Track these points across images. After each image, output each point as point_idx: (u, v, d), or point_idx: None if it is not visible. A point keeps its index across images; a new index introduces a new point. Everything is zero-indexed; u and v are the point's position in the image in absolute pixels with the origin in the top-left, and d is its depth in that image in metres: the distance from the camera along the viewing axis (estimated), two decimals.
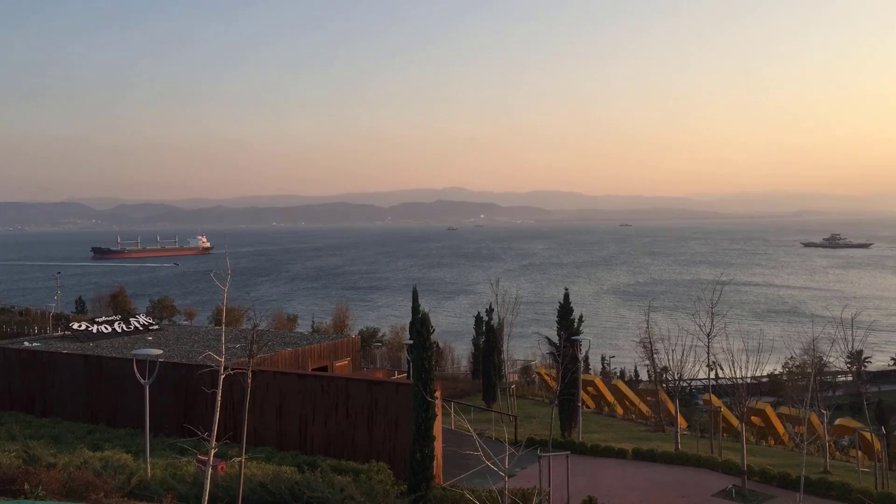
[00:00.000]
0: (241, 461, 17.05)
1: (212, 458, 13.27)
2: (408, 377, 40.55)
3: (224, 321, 14.66)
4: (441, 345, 77.98)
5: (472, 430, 14.15)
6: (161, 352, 25.52)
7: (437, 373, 33.34)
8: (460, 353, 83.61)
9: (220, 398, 13.18)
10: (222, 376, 13.13)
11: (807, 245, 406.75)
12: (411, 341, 24.99)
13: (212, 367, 15.30)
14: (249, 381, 16.59)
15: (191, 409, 32.22)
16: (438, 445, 24.90)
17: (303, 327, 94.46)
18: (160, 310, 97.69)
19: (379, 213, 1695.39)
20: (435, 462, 23.50)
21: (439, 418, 24.67)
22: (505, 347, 47.90)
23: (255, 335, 18.74)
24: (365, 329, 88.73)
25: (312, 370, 37.82)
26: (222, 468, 21.57)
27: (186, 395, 32.37)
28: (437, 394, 23.81)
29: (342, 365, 41.74)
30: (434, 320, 30.90)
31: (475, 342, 54.84)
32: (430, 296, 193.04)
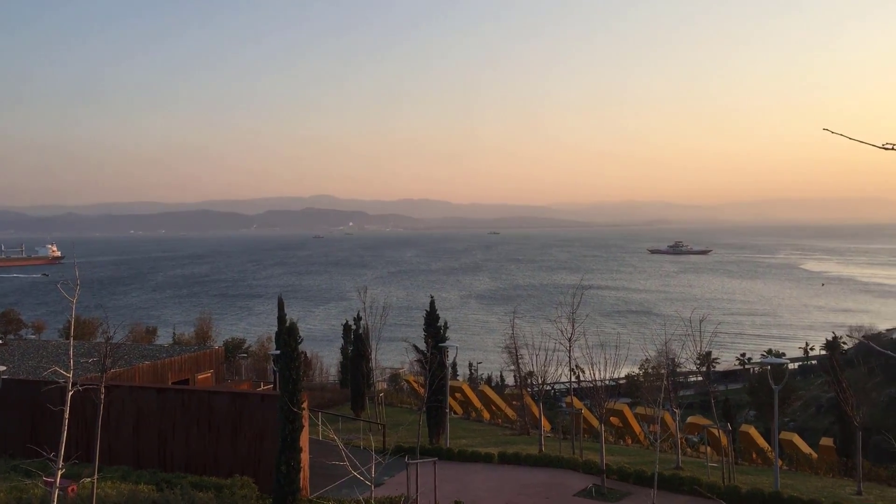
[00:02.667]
0: (93, 481, 16.17)
1: (59, 480, 12.52)
2: (274, 388, 39.73)
3: (73, 334, 13.87)
4: (309, 354, 76.92)
5: (338, 440, 14.01)
6: (4, 368, 23.90)
7: (304, 383, 32.77)
8: (329, 361, 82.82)
9: (67, 416, 12.47)
10: (70, 392, 12.43)
11: (653, 252, 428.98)
12: (278, 351, 24.50)
13: (59, 383, 14.46)
14: (102, 396, 15.79)
15: (38, 429, 30.31)
16: (305, 457, 24.53)
17: (163, 339, 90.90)
18: (5, 324, 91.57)
19: (244, 220, 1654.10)
20: (302, 474, 23.12)
21: (306, 429, 24.30)
22: (373, 355, 47.76)
23: (108, 348, 17.83)
24: (230, 340, 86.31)
25: (172, 384, 36.43)
26: (73, 490, 20.40)
27: (33, 414, 30.42)
28: (304, 404, 23.44)
29: (204, 377, 40.43)
30: (303, 329, 30.45)
31: (343, 351, 54.42)
32: (299, 304, 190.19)
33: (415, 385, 54.83)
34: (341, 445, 12.52)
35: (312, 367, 76.77)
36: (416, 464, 24.67)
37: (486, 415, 49.33)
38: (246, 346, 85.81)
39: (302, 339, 25.85)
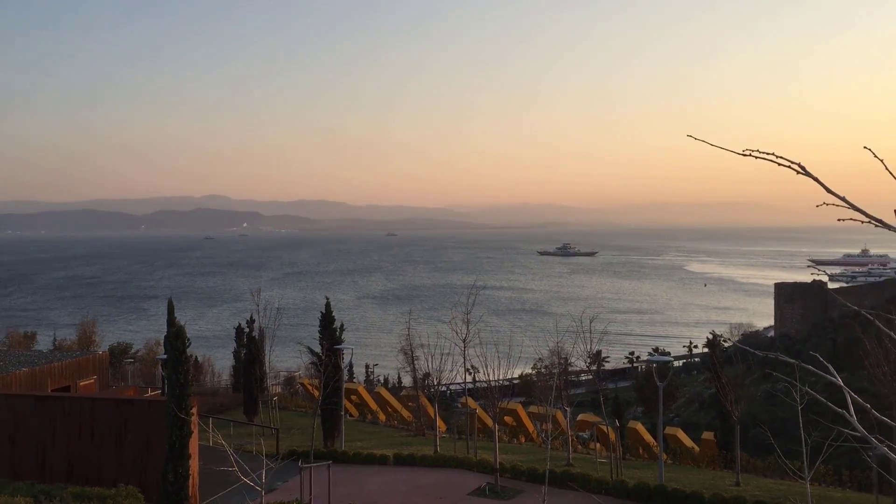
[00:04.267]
0: None
1: None
2: (162, 394, 38.49)
3: None
4: (200, 358, 74.98)
5: (226, 446, 13.73)
6: None
7: (195, 388, 31.91)
8: (222, 365, 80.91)
9: None
10: None
11: (542, 253, 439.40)
12: (166, 356, 23.76)
13: None
14: None
15: None
16: (194, 464, 23.88)
17: (43, 344, 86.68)
18: None
19: (132, 221, 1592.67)
20: (190, 481, 22.49)
21: (195, 435, 23.66)
22: (267, 359, 46.97)
23: None
24: (116, 344, 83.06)
25: (52, 391, 34.80)
26: None
27: None
28: (194, 410, 22.82)
29: (87, 384, 38.78)
30: (195, 331, 29.72)
31: (236, 354, 53.28)
32: (191, 306, 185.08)
33: (309, 388, 54.22)
34: (230, 451, 12.27)
35: (204, 371, 74.87)
36: (310, 467, 24.42)
37: (382, 417, 49.26)
38: (133, 350, 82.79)
39: (191, 343, 25.17)
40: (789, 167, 4.36)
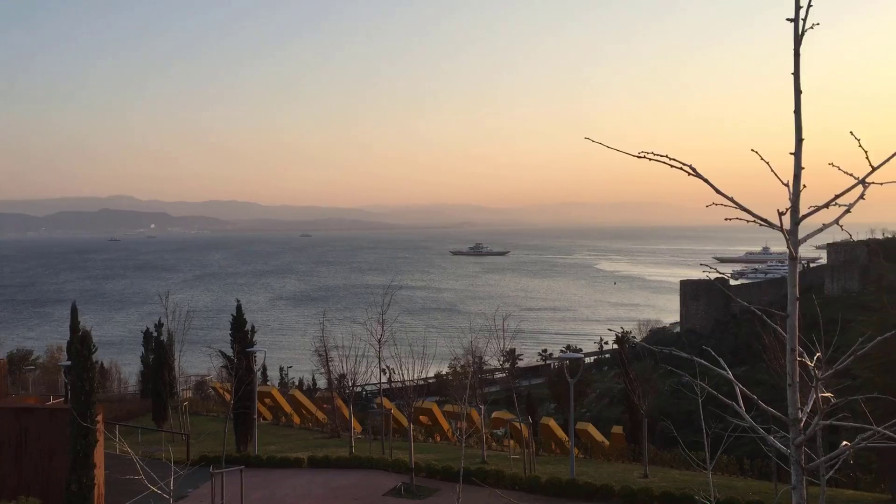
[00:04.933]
0: None
1: None
2: (66, 402, 37.12)
3: None
4: (107, 363, 72.62)
5: (132, 453, 13.37)
6: None
7: (100, 395, 30.87)
8: (130, 370, 78.50)
9: None
10: None
11: (455, 253, 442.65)
12: (69, 362, 22.94)
13: None
14: None
15: None
16: (100, 473, 23.14)
17: None
18: None
19: (31, 222, 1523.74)
20: (96, 491, 21.81)
21: (101, 443, 22.94)
22: (177, 363, 45.83)
23: None
24: (15, 351, 79.54)
25: None
26: None
27: None
28: (99, 417, 22.14)
29: None
30: (100, 336, 28.76)
31: (144, 359, 51.79)
32: (97, 310, 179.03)
33: (221, 392, 53.14)
34: (136, 458, 11.96)
35: (110, 377, 72.49)
36: (222, 473, 23.98)
37: (297, 419, 48.72)
38: (34, 357, 79.49)
39: (97, 348, 24.37)
40: (681, 169, 4.56)
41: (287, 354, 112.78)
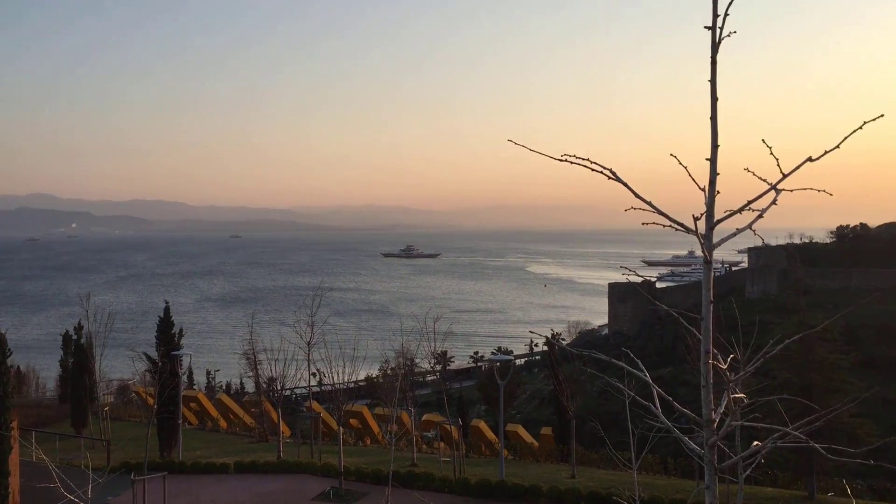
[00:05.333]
0: None
1: None
2: None
3: None
4: (23, 368, 70.02)
5: (47, 460, 12.87)
6: None
7: (16, 400, 29.67)
8: (47, 375, 75.84)
9: None
10: None
11: (387, 255, 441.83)
12: None
13: None
14: None
15: None
16: (15, 481, 22.28)
17: None
18: None
19: None
20: (11, 500, 20.99)
21: (16, 451, 22.12)
22: (98, 367, 44.53)
23: None
24: None
25: None
26: None
27: None
28: (14, 424, 21.32)
29: None
30: (17, 339, 27.72)
31: (63, 363, 50.16)
32: (13, 312, 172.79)
33: (144, 396, 51.84)
34: (52, 466, 11.52)
35: (27, 382, 69.95)
36: (144, 480, 23.36)
37: (224, 424, 47.83)
38: None
39: (12, 352, 23.48)
40: (601, 172, 4.60)
41: (214, 358, 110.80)
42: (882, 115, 4.35)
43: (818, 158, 4.27)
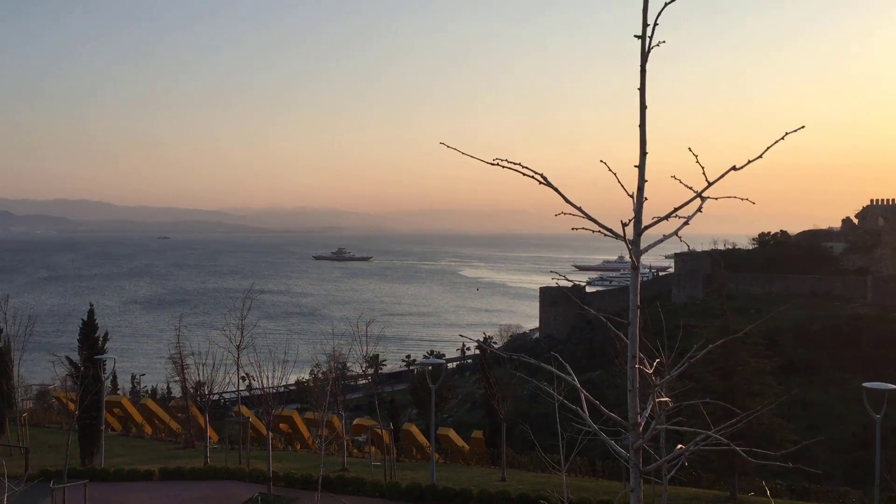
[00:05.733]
0: None
1: None
2: None
3: None
4: None
5: None
6: None
7: None
8: None
9: None
10: None
11: (318, 258, 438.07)
12: None
13: None
14: None
15: None
16: None
17: None
18: None
19: None
20: None
21: None
22: (16, 371, 42.93)
23: None
24: None
25: None
26: None
27: None
28: None
29: None
30: None
31: None
32: None
33: (65, 402, 50.22)
34: None
35: None
36: (64, 488, 22.63)
37: (149, 430, 46.70)
38: None
39: None
40: (533, 177, 4.64)
41: (140, 362, 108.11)
42: (803, 127, 4.50)
43: (742, 167, 4.40)
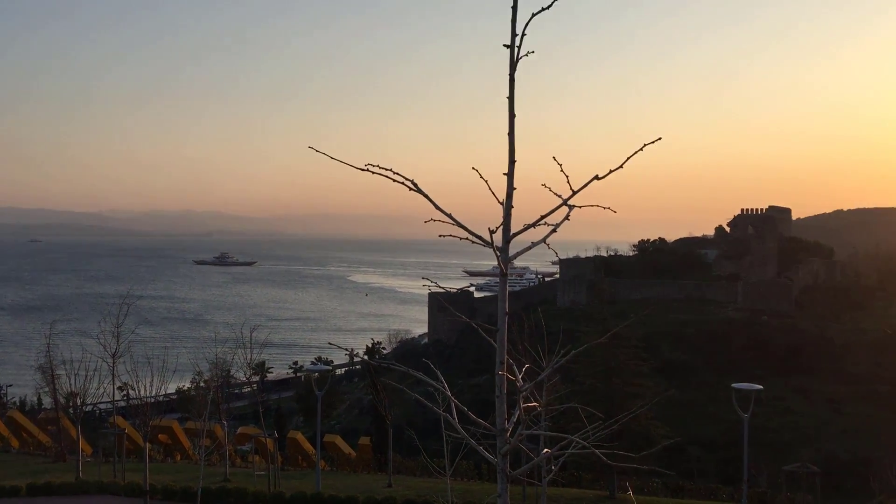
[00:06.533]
0: None
1: None
2: None
3: None
4: None
5: None
6: None
7: None
8: None
9: None
10: None
11: (199, 263, 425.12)
12: None
13: None
14: None
15: None
16: None
17: None
18: None
19: None
20: None
21: None
22: None
23: None
24: None
25: None
26: None
27: None
28: None
29: None
30: None
31: None
32: None
33: None
34: None
35: None
36: None
37: (16, 443, 44.19)
38: None
39: None
40: (403, 183, 4.63)
41: (7, 372, 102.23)
42: (660, 138, 4.67)
43: (604, 177, 4.52)
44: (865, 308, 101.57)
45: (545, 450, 4.86)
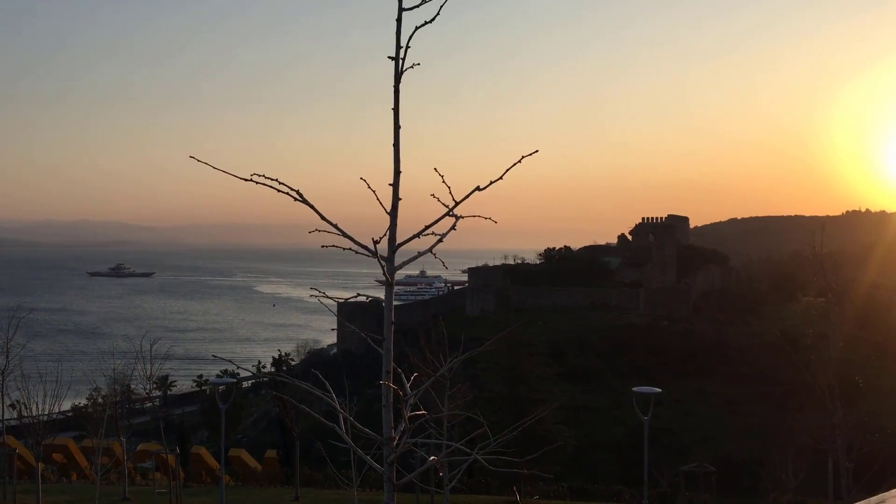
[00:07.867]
0: None
1: None
2: None
3: None
4: None
5: None
6: None
7: None
8: None
9: None
10: None
11: (93, 274, 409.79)
12: None
13: None
14: None
15: None
16: None
17: None
18: None
19: None
20: None
21: None
22: None
23: None
24: None
25: None
26: None
27: None
28: None
29: None
30: None
31: None
32: None
33: None
34: None
35: None
36: None
37: None
38: None
39: None
40: (288, 194, 4.63)
41: None
42: (537, 151, 4.83)
43: (486, 187, 4.63)
44: (758, 312, 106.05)
45: (431, 457, 4.92)
